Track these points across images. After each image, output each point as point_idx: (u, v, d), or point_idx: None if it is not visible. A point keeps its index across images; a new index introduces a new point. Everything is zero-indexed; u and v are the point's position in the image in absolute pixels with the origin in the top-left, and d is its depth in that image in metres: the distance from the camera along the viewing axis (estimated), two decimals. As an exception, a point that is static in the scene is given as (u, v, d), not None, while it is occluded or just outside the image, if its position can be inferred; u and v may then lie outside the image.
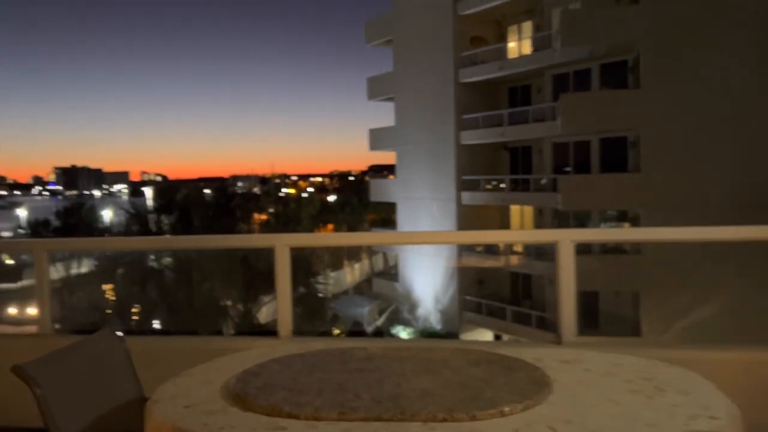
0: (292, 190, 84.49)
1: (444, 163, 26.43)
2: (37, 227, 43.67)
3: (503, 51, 25.47)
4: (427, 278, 27.35)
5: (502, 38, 26.35)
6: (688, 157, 17.72)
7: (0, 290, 40.75)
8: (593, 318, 20.19)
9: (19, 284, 41.23)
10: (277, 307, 2.87)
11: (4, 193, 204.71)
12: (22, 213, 75.32)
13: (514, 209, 26.22)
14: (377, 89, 30.34)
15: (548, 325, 21.45)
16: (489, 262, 25.37)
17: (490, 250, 25.56)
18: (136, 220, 14.89)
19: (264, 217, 48.69)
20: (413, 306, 28.03)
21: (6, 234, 58.75)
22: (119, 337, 2.24)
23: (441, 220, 26.66)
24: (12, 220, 66.53)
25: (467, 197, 25.75)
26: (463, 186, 25.92)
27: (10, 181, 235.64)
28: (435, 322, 27.07)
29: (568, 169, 22.37)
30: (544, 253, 20.59)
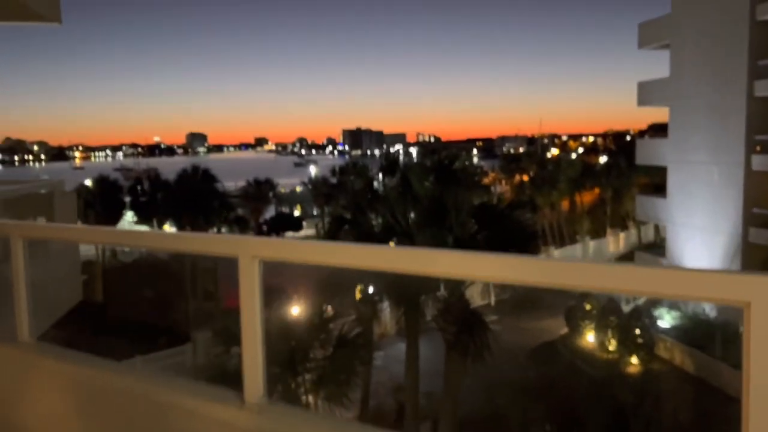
0: (557, 151, 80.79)
1: (731, 120, 21.96)
2: (317, 183, 48.79)
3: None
4: (701, 255, 23.41)
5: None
6: None
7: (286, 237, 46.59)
8: None
9: (302, 233, 46.75)
10: (242, 357, 1.84)
11: (304, 152, 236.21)
12: (313, 170, 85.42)
13: (827, 178, 20.81)
14: (649, 35, 26.36)
15: None
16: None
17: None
18: (363, 181, 15.00)
19: (525, 178, 47.16)
20: (682, 286, 24.32)
21: (299, 188, 66.87)
22: None
23: (722, 189, 22.39)
24: (305, 176, 75.23)
25: (759, 161, 21.10)
26: (755, 147, 21.30)
27: (310, 142, 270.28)
28: (708, 308, 23.15)
29: None
30: None
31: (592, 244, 37.09)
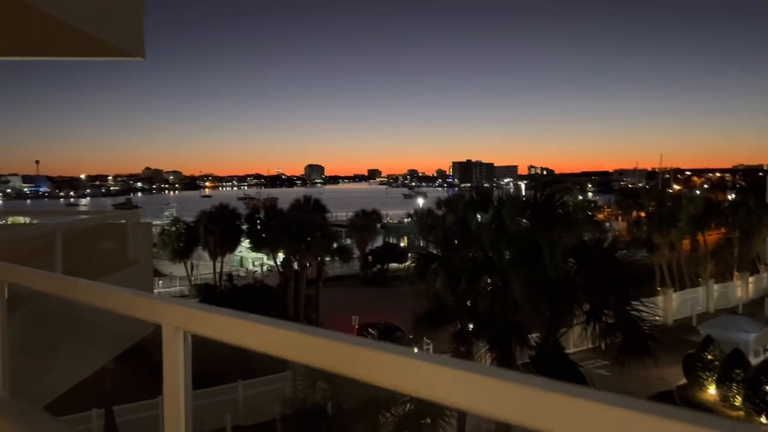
0: (679, 187, 75.87)
1: None
2: (422, 215, 49.01)
3: None
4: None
5: None
6: None
7: (390, 269, 46.93)
8: None
9: (405, 265, 46.84)
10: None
11: (414, 184, 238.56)
12: (420, 202, 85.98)
13: None
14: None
15: None
16: None
17: None
18: (453, 214, 14.62)
19: (642, 214, 44.66)
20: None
21: (406, 220, 67.54)
22: None
23: None
24: (413, 208, 75.73)
25: None
26: None
27: (420, 174, 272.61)
28: None
29: None
30: None
31: (716, 287, 34.27)
